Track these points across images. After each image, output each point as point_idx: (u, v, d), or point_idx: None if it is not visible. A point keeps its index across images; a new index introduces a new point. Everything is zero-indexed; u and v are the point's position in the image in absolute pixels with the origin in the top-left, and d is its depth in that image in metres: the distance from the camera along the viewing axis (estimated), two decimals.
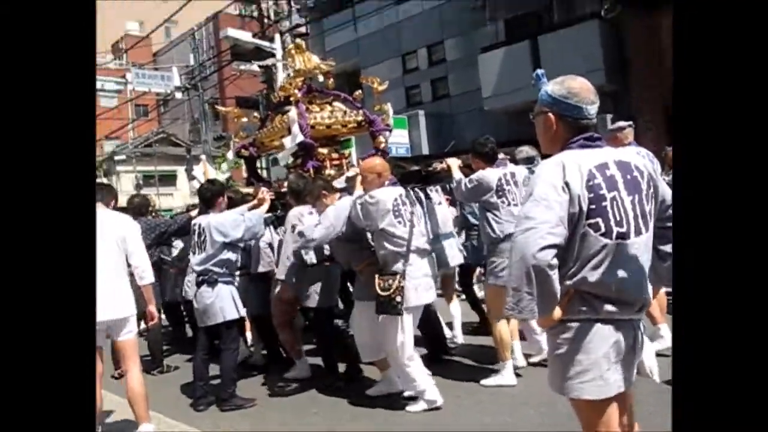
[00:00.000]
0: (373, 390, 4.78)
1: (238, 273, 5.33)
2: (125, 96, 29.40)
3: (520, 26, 17.20)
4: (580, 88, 2.17)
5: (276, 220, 5.78)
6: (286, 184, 5.74)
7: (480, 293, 7.36)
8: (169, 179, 32.16)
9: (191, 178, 18.23)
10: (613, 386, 2.09)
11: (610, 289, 2.05)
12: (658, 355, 2.63)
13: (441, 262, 5.40)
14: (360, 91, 6.75)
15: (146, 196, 7.49)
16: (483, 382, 4.76)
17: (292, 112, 5.93)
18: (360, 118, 6.39)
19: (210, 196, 5.04)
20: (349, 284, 5.78)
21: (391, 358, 4.46)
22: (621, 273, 2.05)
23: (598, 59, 14.29)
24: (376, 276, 4.29)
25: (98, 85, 26.88)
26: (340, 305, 5.91)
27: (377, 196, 4.33)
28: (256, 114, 7.32)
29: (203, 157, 15.93)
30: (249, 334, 6.50)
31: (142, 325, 5.64)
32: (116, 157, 32.61)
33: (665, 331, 4.74)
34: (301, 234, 4.59)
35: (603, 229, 2.05)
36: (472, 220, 6.35)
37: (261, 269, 5.84)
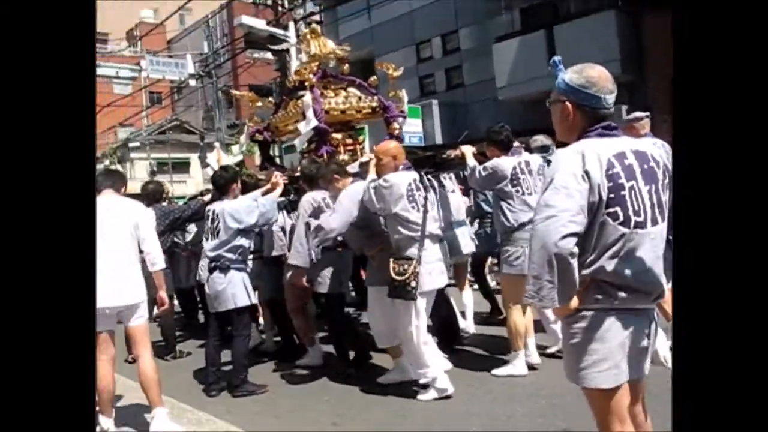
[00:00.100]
0: (384, 378, 4.80)
1: (251, 256, 5.35)
2: (139, 83, 29.47)
3: (536, 15, 17.05)
4: (598, 78, 2.15)
5: (289, 205, 5.79)
6: (299, 168, 5.74)
7: (492, 283, 7.36)
8: (182, 166, 32.25)
9: (205, 165, 18.32)
10: (627, 374, 2.09)
11: (627, 278, 2.04)
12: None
13: (453, 250, 5.39)
14: (375, 77, 6.73)
15: (160, 182, 7.53)
16: (494, 372, 4.76)
17: (307, 96, 5.93)
18: (375, 103, 6.38)
19: (223, 183, 5.06)
20: (362, 271, 5.78)
21: (405, 343, 4.47)
22: (638, 262, 2.05)
23: (614, 49, 14.14)
24: (391, 260, 4.30)
25: (113, 72, 26.96)
26: (353, 294, 5.93)
27: (391, 180, 4.33)
28: (270, 99, 7.28)
29: (217, 144, 15.99)
30: (261, 320, 6.53)
31: (155, 311, 5.69)
32: (130, 144, 32.74)
33: None
34: (318, 228, 4.57)
35: (621, 218, 2.04)
36: (486, 208, 6.33)
37: (274, 253, 5.86)
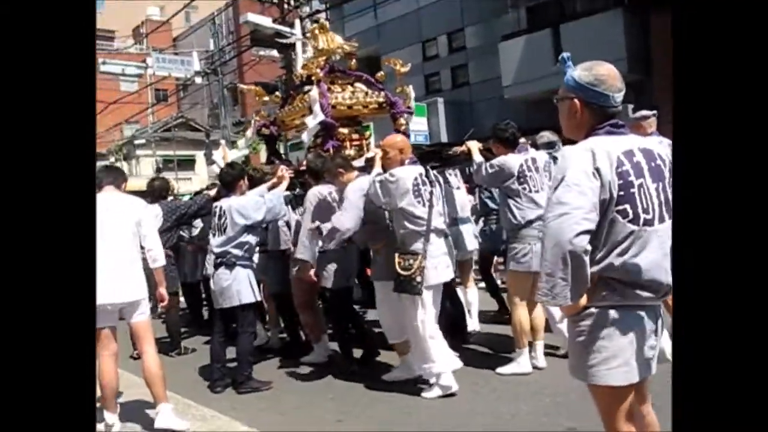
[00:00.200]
0: (389, 375, 4.80)
1: (256, 250, 5.35)
2: (145, 80, 29.47)
3: (542, 14, 17.00)
4: (607, 76, 2.15)
5: (294, 199, 5.78)
6: (304, 163, 5.74)
7: (498, 281, 7.35)
8: (187, 164, 32.28)
9: (210, 162, 18.32)
10: (637, 372, 2.08)
11: (635, 275, 2.04)
12: None
13: (458, 247, 5.39)
14: (382, 72, 6.72)
15: (166, 178, 7.54)
16: (499, 370, 4.75)
17: (314, 91, 5.92)
18: (381, 99, 6.37)
19: (230, 180, 5.07)
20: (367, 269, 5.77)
21: (412, 337, 4.47)
22: (646, 259, 2.04)
23: (621, 48, 14.06)
24: (396, 255, 4.31)
25: (119, 69, 26.89)
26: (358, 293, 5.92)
27: (397, 174, 4.33)
28: (277, 94, 7.27)
29: (222, 141, 16.00)
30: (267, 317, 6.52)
31: (160, 308, 5.70)
32: (136, 141, 32.81)
33: None
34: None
35: (631, 216, 2.04)
36: (491, 206, 6.33)
37: (279, 248, 5.86)
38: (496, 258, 7.18)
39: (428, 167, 4.71)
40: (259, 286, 5.17)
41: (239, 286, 4.83)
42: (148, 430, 4.05)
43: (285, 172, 5.32)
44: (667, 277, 2.08)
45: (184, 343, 6.57)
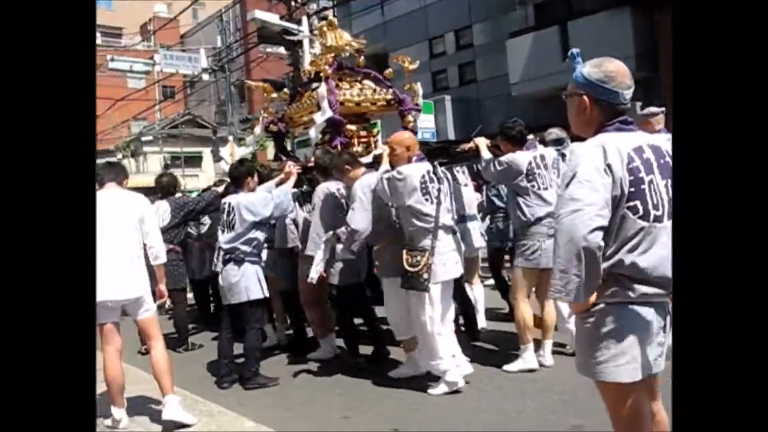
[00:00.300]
0: (395, 372, 4.80)
1: (264, 246, 5.36)
2: (153, 77, 29.55)
3: (550, 11, 16.97)
4: (617, 72, 2.15)
5: (301, 196, 5.79)
6: (312, 159, 5.74)
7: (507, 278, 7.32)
8: (194, 160, 32.33)
9: (217, 159, 18.36)
10: (646, 368, 2.08)
11: (644, 272, 2.04)
12: None
13: (465, 243, 5.38)
14: (390, 69, 6.72)
15: (174, 174, 7.56)
16: (506, 367, 4.75)
17: (322, 88, 5.92)
18: (389, 96, 6.37)
19: (239, 176, 5.10)
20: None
21: (419, 333, 4.47)
22: (656, 255, 2.04)
23: (629, 46, 14.01)
24: (404, 251, 4.31)
25: (126, 66, 26.98)
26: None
27: (405, 172, 4.33)
28: (285, 90, 7.27)
29: (230, 138, 16.03)
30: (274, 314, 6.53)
31: (168, 304, 5.71)
32: (143, 138, 32.90)
33: None
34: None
35: (641, 212, 2.04)
36: (498, 203, 6.31)
37: (286, 245, 5.86)
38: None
39: (436, 164, 4.71)
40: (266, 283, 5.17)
41: (248, 282, 4.84)
42: (157, 425, 4.06)
43: (293, 168, 5.33)
44: None
45: (192, 339, 6.59)
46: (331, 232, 4.72)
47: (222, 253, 4.93)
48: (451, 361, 4.38)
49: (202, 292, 7.88)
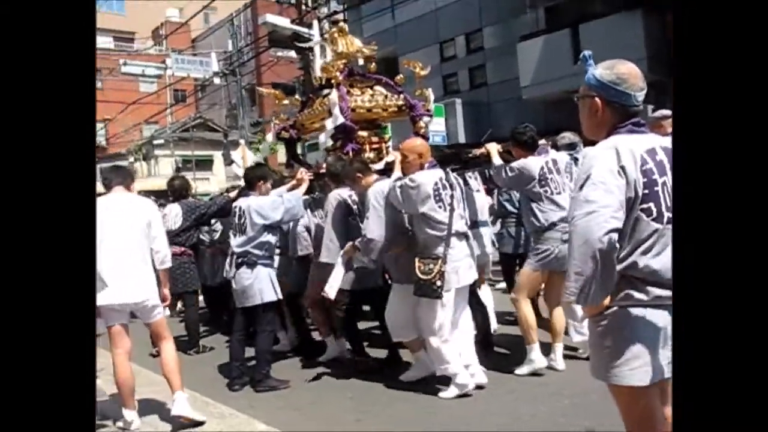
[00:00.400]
0: (406, 375, 4.78)
1: (277, 252, 5.38)
2: (164, 81, 29.72)
3: (561, 14, 16.92)
4: (629, 74, 2.14)
5: (313, 203, 5.81)
6: (324, 165, 5.76)
7: None
8: (205, 164, 32.47)
9: (228, 162, 18.44)
10: (659, 372, 2.06)
11: (658, 274, 2.03)
12: None
13: (478, 247, 5.37)
14: (401, 75, 6.73)
15: (185, 178, 7.59)
16: (517, 371, 4.73)
17: (333, 94, 5.94)
18: (401, 102, 6.37)
19: (251, 178, 5.14)
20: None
21: (427, 339, 4.46)
22: (669, 257, 2.01)
23: (641, 48, 13.91)
24: (416, 259, 4.30)
25: (138, 70, 27.21)
26: None
27: (418, 179, 4.31)
28: (296, 97, 7.30)
29: (242, 141, 16.09)
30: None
31: (179, 306, 5.73)
32: (155, 142, 33.09)
33: None
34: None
35: (655, 214, 2.03)
36: (509, 208, 6.30)
37: (299, 253, 5.87)
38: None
39: (448, 170, 4.70)
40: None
41: (261, 285, 4.87)
42: (168, 425, 4.08)
43: (305, 174, 5.35)
44: None
45: (204, 341, 6.61)
46: (349, 244, 4.72)
47: (234, 256, 4.96)
48: (460, 362, 4.37)
49: (214, 297, 7.90)
